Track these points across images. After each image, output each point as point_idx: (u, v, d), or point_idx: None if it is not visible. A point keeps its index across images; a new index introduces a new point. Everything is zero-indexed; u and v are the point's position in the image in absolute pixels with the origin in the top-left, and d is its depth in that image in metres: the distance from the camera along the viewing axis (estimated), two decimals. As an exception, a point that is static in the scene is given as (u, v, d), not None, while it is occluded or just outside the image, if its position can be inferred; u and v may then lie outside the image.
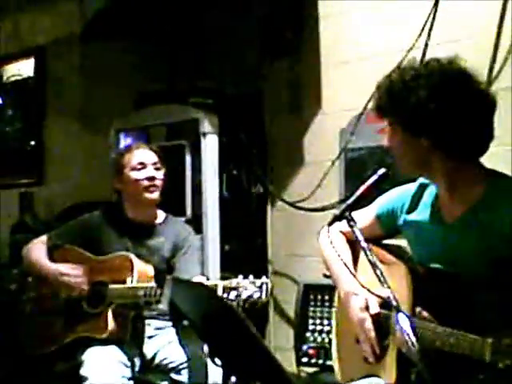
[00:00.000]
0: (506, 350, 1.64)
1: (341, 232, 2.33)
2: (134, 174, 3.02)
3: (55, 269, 3.01)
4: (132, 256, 2.90)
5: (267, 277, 2.47)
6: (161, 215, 3.15)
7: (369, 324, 2.08)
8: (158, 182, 3.05)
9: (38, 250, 3.11)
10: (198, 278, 2.90)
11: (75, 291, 2.97)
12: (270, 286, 2.41)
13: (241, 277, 2.40)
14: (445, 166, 1.97)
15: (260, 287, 2.40)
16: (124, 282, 2.84)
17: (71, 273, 2.97)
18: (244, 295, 2.39)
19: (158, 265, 2.97)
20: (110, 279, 2.88)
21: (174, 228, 3.11)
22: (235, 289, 2.43)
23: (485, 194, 1.96)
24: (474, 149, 1.97)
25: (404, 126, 1.96)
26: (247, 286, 2.39)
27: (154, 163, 3.06)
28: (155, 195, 3.04)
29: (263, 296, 2.40)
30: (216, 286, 2.48)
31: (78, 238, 3.09)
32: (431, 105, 1.88)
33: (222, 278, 2.50)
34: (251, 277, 2.43)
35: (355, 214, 1.95)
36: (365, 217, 2.23)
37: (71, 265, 3.01)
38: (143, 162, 3.04)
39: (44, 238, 3.16)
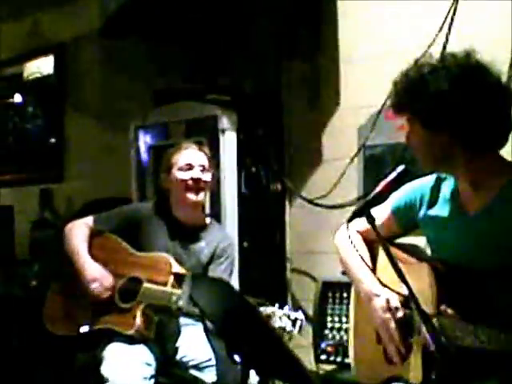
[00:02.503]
0: None
1: (357, 232, 2.31)
2: (180, 175, 3.02)
3: (88, 273, 2.93)
4: (171, 259, 2.87)
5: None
6: (206, 219, 3.15)
7: (392, 325, 2.07)
8: (204, 184, 3.05)
9: (80, 235, 3.05)
10: None
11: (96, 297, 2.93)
12: (304, 323, 2.35)
13: (277, 306, 2.35)
14: (466, 158, 1.95)
15: (294, 321, 2.34)
16: (158, 282, 2.82)
17: (98, 284, 2.90)
18: (276, 325, 2.33)
19: (194, 268, 2.95)
20: (145, 277, 2.86)
21: (216, 235, 3.10)
22: (268, 317, 2.36)
23: (508, 182, 1.95)
24: (494, 140, 1.96)
25: (423, 121, 1.95)
26: (281, 317, 2.33)
27: (202, 165, 3.05)
28: (199, 197, 3.04)
29: (295, 331, 2.34)
30: None
31: (125, 226, 3.06)
32: (451, 97, 1.87)
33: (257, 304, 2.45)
34: (287, 308, 2.38)
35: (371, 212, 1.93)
36: (380, 214, 2.18)
37: (103, 272, 2.94)
38: (190, 164, 3.04)
39: (90, 220, 3.10)
